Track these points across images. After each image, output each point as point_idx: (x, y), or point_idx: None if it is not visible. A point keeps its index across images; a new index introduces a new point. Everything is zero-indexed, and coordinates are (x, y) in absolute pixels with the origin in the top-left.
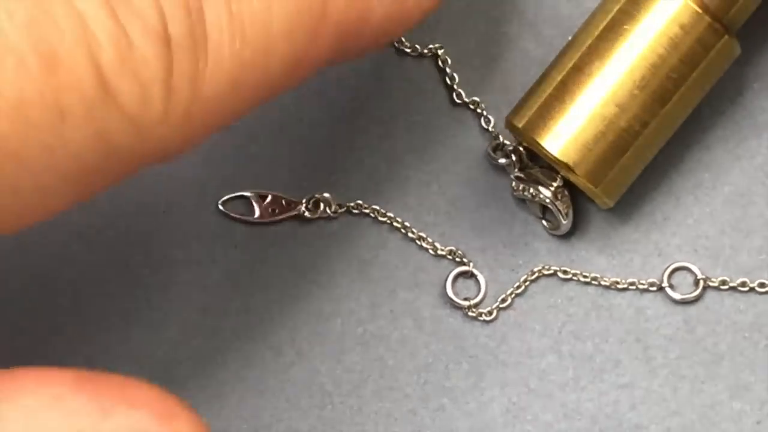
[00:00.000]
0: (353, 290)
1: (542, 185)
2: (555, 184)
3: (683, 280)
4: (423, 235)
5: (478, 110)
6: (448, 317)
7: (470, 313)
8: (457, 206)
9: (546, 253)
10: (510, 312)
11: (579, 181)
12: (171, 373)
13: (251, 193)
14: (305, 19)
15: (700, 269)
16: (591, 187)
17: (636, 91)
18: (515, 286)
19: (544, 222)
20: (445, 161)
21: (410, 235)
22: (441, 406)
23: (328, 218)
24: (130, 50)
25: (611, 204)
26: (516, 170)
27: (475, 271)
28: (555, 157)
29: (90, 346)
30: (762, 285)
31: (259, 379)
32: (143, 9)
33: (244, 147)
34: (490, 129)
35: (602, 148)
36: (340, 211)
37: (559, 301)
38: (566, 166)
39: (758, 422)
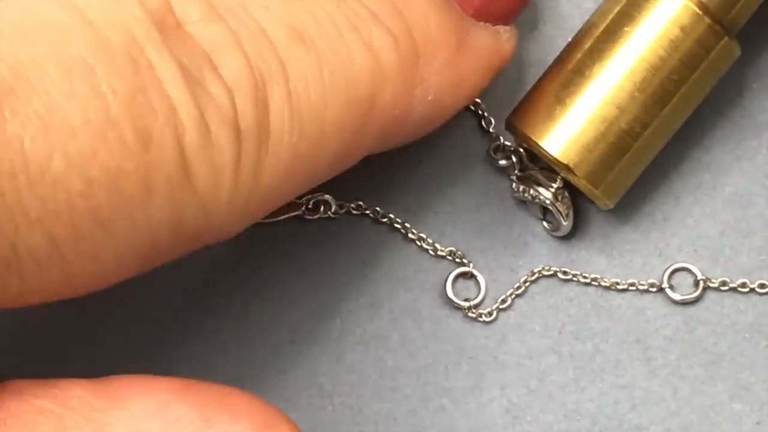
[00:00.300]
0: (353, 290)
1: (542, 186)
2: (555, 186)
3: (683, 280)
4: (423, 235)
5: (479, 111)
6: (448, 318)
7: (470, 314)
8: (457, 207)
9: (546, 254)
10: (510, 313)
11: (579, 182)
12: (171, 373)
13: None
14: (355, 115)
15: (700, 270)
16: (591, 188)
17: (636, 93)
18: (515, 286)
19: (544, 223)
20: (445, 162)
21: (410, 235)
22: (441, 406)
23: (328, 219)
24: (209, 136)
25: (611, 205)
26: (516, 171)
27: (475, 272)
28: (555, 159)
29: (91, 346)
30: (762, 286)
31: (258, 380)
32: (220, 98)
33: None
34: (490, 130)
35: (602, 150)
36: (340, 211)
37: (559, 301)
38: (566, 167)
39: (758, 423)
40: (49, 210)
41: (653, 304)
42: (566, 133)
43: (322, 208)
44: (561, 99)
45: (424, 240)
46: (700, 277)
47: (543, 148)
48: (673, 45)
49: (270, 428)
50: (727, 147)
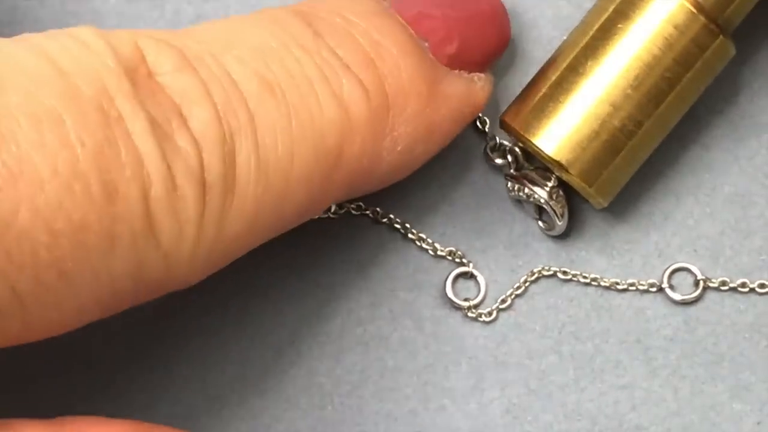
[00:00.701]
0: (353, 290)
1: (537, 185)
2: (550, 185)
3: (683, 280)
4: (423, 235)
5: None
6: (447, 318)
7: (470, 314)
8: (457, 207)
9: (546, 254)
10: (510, 313)
11: (573, 180)
12: (170, 374)
13: None
14: (322, 167)
15: (700, 270)
16: (585, 186)
17: (630, 91)
18: (515, 286)
19: (539, 223)
20: (445, 162)
21: (410, 235)
22: (441, 406)
23: (328, 218)
24: (174, 190)
25: (605, 204)
26: (511, 170)
27: (475, 272)
28: (549, 157)
29: (90, 349)
30: (762, 286)
31: (258, 380)
32: (187, 152)
33: None
34: (485, 129)
35: (596, 148)
36: (340, 211)
37: (559, 301)
38: (560, 165)
39: (758, 423)
40: (14, 262)
41: (653, 304)
42: (560, 131)
43: None
44: (555, 97)
45: (424, 240)
46: (700, 277)
47: (536, 146)
48: (668, 43)
49: None
50: (727, 147)
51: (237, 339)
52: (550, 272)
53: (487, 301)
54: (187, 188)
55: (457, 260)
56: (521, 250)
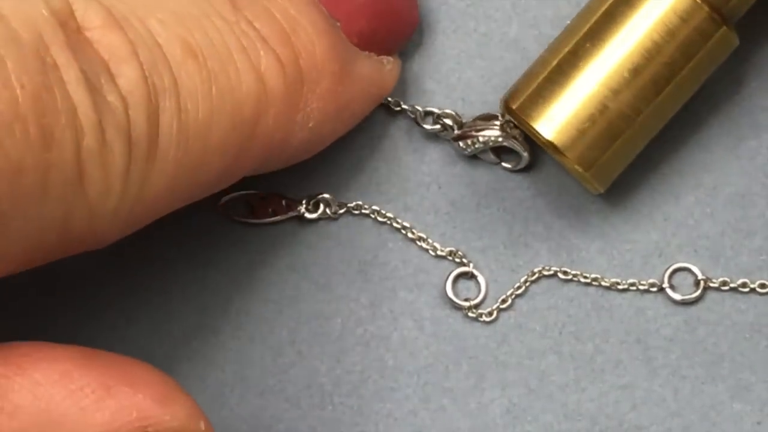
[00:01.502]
0: (353, 291)
1: (487, 129)
2: (498, 122)
3: (684, 280)
4: (423, 235)
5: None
6: (448, 318)
7: (470, 314)
8: (457, 207)
9: (546, 254)
10: (510, 313)
11: (570, 164)
12: (171, 373)
13: (251, 193)
14: (238, 136)
15: (700, 270)
16: (581, 171)
17: (630, 78)
18: (515, 286)
19: (504, 165)
20: (445, 162)
21: (410, 235)
22: (441, 406)
23: (328, 219)
24: (104, 142)
25: (602, 189)
26: (456, 132)
27: (476, 272)
28: (547, 140)
29: (90, 346)
30: (763, 286)
31: (259, 380)
32: (116, 106)
33: None
34: (404, 107)
35: (594, 133)
36: (340, 211)
37: (560, 301)
38: (557, 149)
39: (759, 423)
40: None
41: (654, 304)
42: (558, 115)
43: (322, 208)
44: (555, 81)
45: (424, 240)
46: (700, 277)
47: (536, 130)
48: (671, 32)
49: (169, 400)
50: (728, 147)
51: (237, 339)
52: (551, 272)
53: (487, 301)
54: (116, 143)
55: (458, 260)
56: (521, 249)
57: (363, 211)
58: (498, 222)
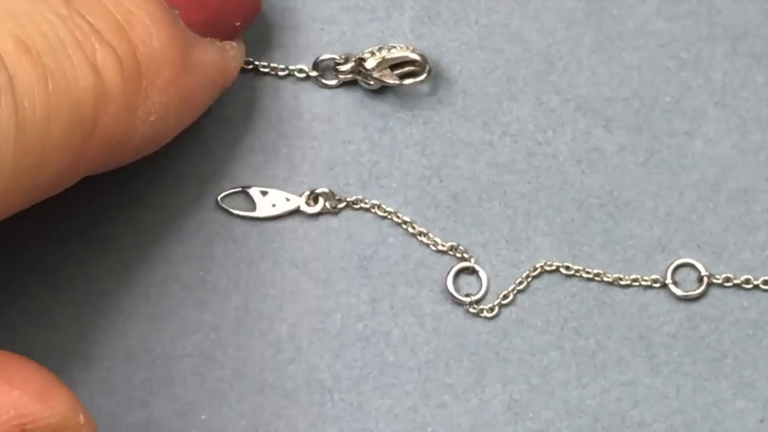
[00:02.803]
0: (353, 286)
1: (396, 50)
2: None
3: (687, 276)
4: (424, 230)
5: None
6: (449, 313)
7: (471, 310)
8: (458, 201)
9: (548, 249)
10: (512, 308)
11: None
12: (170, 370)
13: (251, 187)
14: (77, 134)
15: (704, 266)
16: None
17: None
18: (517, 282)
19: (406, 81)
20: (446, 155)
21: (411, 230)
22: (442, 403)
23: (329, 213)
24: None
25: None
26: (366, 82)
27: (477, 267)
28: None
29: (88, 342)
30: (766, 282)
31: (258, 376)
32: None
33: (244, 141)
34: (312, 74)
35: None
36: (340, 206)
37: (562, 297)
38: None
39: (761, 420)
40: None
41: (656, 300)
42: None
43: (322, 203)
44: None
45: (425, 235)
46: (703, 273)
47: None
48: None
49: (48, 395)
50: (731, 142)
51: (236, 334)
52: (553, 267)
53: (488, 297)
54: None
55: (459, 255)
56: (523, 244)
57: (363, 205)
58: (500, 217)
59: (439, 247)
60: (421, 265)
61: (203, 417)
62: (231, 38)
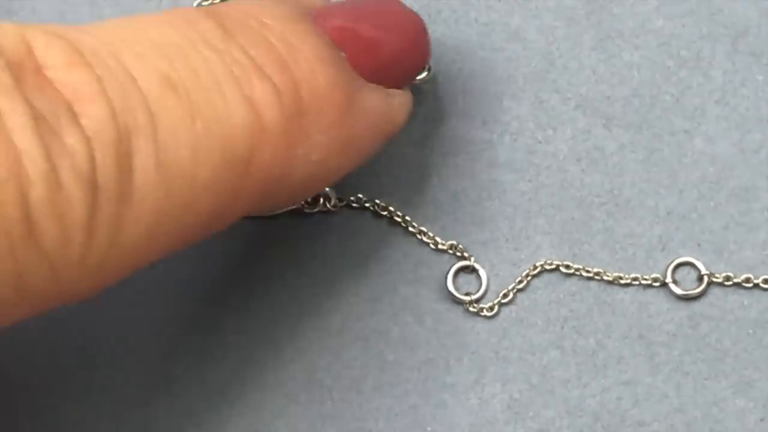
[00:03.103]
0: (353, 285)
1: None
2: None
3: (687, 275)
4: (423, 229)
5: None
6: (448, 312)
7: (471, 309)
8: (458, 200)
9: (548, 248)
10: (512, 307)
11: None
12: (169, 369)
13: None
14: (230, 174)
15: (704, 264)
16: None
17: None
18: (517, 281)
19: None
20: (446, 154)
21: (411, 229)
22: (442, 402)
23: (328, 212)
24: (59, 191)
25: None
26: None
27: (477, 266)
28: None
29: (87, 341)
30: (766, 281)
31: (257, 375)
32: (76, 150)
33: None
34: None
35: None
36: (339, 205)
37: (562, 296)
38: None
39: (762, 419)
40: None
41: (656, 299)
42: None
43: (321, 201)
44: None
45: (424, 233)
46: (704, 271)
47: None
48: None
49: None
50: (732, 140)
51: (236, 334)
52: (553, 266)
53: (488, 296)
54: (74, 189)
55: (459, 254)
56: (523, 243)
57: (362, 204)
58: (499, 215)
59: (439, 246)
60: (421, 263)
61: (204, 417)
62: (397, 87)
